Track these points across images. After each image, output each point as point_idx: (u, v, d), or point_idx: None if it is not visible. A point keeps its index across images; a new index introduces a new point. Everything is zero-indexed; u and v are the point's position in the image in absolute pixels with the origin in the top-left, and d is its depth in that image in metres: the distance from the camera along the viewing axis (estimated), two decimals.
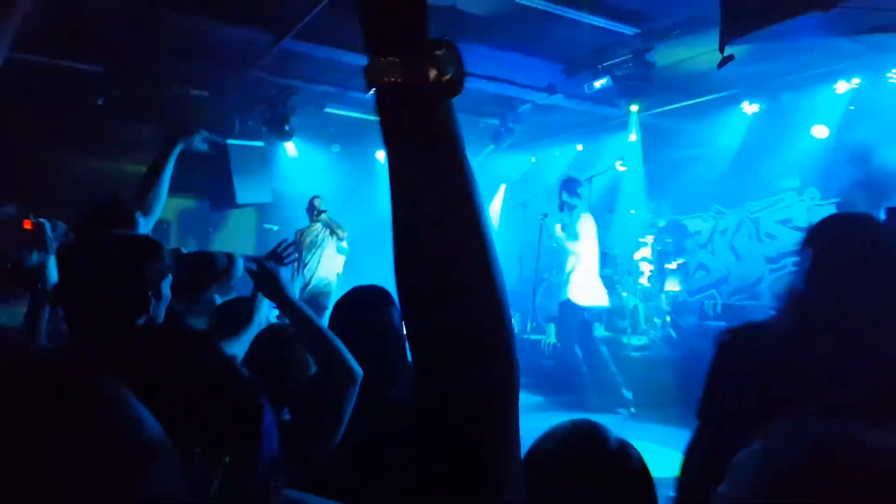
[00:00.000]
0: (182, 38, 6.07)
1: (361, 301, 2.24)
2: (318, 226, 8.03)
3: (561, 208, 7.24)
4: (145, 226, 2.74)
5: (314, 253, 7.93)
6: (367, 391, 1.89)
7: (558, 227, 7.21)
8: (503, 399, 0.74)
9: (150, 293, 1.92)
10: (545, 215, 7.56)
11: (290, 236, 7.57)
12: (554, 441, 1.45)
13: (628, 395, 6.87)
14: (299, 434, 1.84)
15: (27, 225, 2.24)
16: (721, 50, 3.27)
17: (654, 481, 1.44)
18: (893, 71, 6.56)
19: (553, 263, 8.34)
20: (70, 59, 6.40)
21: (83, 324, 1.82)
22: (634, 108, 7.53)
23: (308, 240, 7.91)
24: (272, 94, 7.75)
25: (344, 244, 8.19)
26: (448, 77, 0.73)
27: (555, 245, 7.40)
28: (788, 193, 8.39)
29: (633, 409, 6.81)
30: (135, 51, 6.22)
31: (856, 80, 6.95)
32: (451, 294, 0.73)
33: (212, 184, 8.86)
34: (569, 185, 7.19)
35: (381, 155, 10.70)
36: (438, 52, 0.73)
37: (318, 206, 8.06)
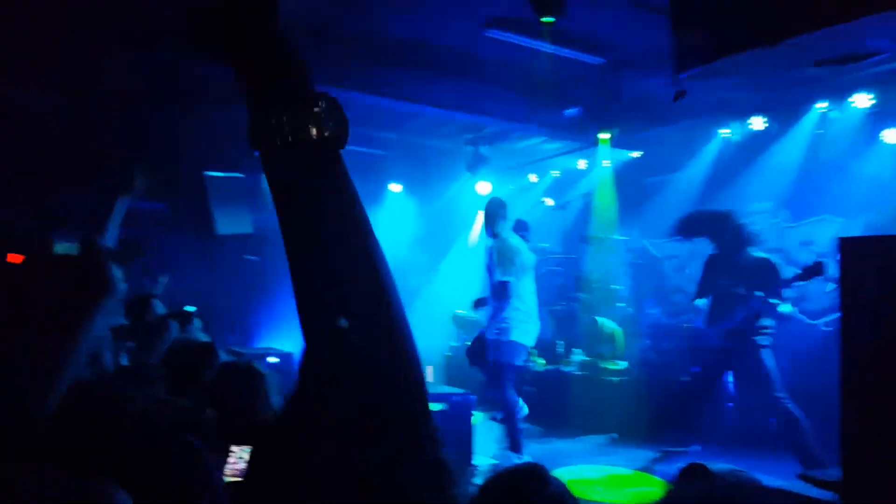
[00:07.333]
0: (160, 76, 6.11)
1: None
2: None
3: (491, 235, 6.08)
4: None
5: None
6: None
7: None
8: None
9: None
10: None
11: (269, 267, 7.52)
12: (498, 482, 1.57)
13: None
14: None
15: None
16: (674, 84, 3.38)
17: None
18: (855, 96, 6.71)
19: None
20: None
21: None
22: (605, 136, 7.64)
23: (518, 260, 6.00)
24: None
25: None
26: (329, 132, 0.75)
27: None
28: (762, 216, 8.48)
29: (615, 435, 6.84)
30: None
31: (822, 105, 7.11)
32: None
33: (191, 215, 8.84)
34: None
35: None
36: (317, 109, 0.74)
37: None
